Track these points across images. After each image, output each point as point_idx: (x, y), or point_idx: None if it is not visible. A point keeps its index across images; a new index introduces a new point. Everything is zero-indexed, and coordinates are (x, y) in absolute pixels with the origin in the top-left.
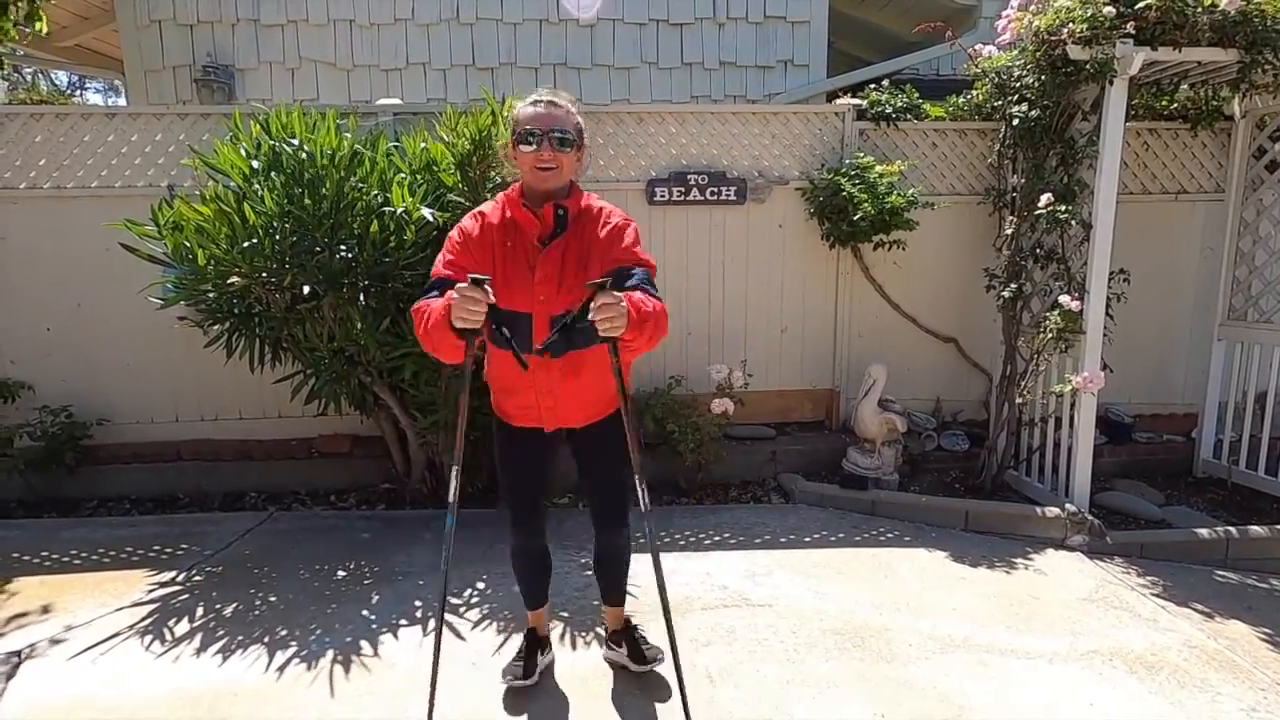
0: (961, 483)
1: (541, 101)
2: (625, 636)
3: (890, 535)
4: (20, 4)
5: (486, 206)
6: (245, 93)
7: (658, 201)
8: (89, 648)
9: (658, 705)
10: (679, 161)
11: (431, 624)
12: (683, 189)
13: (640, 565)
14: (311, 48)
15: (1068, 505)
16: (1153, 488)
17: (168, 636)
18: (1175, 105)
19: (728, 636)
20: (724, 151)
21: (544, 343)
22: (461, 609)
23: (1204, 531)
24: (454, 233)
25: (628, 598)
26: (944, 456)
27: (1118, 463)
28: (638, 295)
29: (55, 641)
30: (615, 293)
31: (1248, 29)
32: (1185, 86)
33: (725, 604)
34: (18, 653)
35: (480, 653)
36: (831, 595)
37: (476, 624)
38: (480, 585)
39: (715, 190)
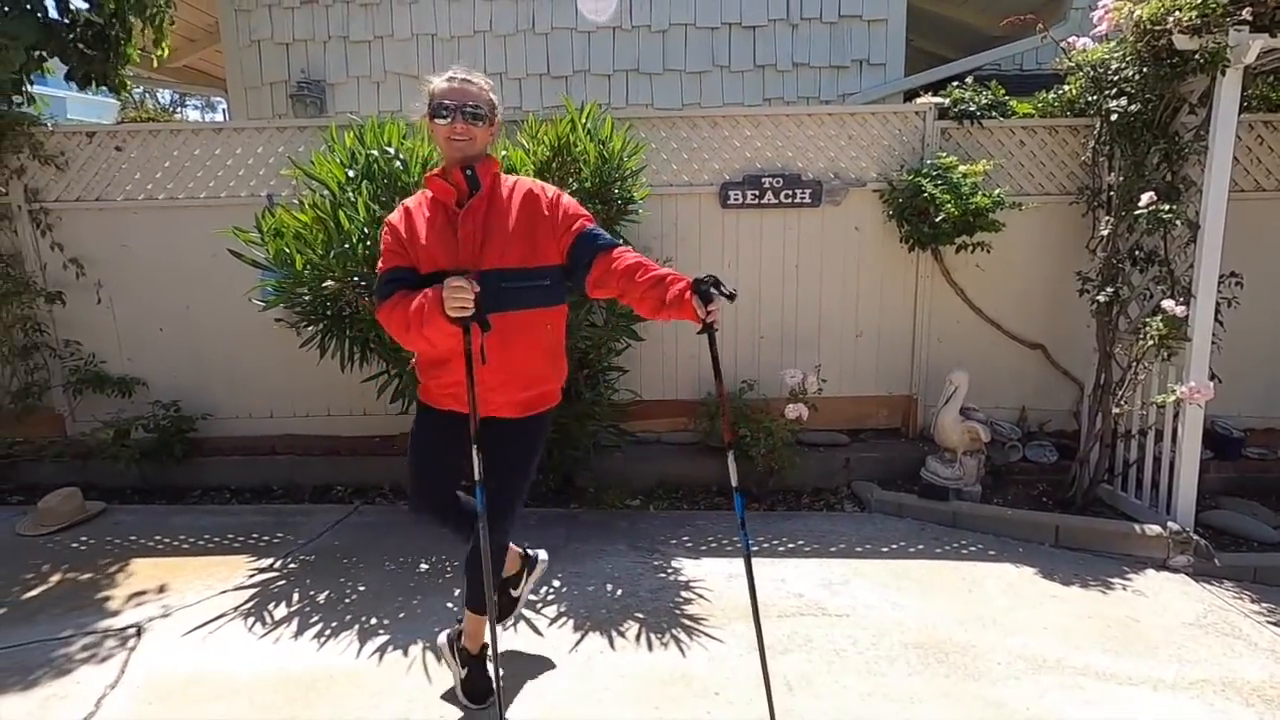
0: (1049, 496)
1: (456, 79)
2: (473, 663)
3: (974, 548)
4: (147, 31)
5: (406, 201)
6: (335, 105)
7: (731, 205)
8: (198, 626)
9: (741, 710)
10: (753, 165)
11: (511, 620)
12: (756, 192)
13: (708, 569)
14: (396, 61)
15: (1170, 523)
16: (1266, 508)
17: (268, 619)
18: None
19: (805, 645)
20: (799, 154)
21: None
22: (539, 605)
23: None
24: (384, 230)
25: (702, 601)
26: (1029, 468)
27: (1225, 479)
28: (634, 261)
29: (168, 619)
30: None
31: None
32: None
33: (801, 612)
34: (138, 627)
35: (558, 649)
36: (912, 608)
37: (553, 620)
38: (556, 583)
39: (790, 193)
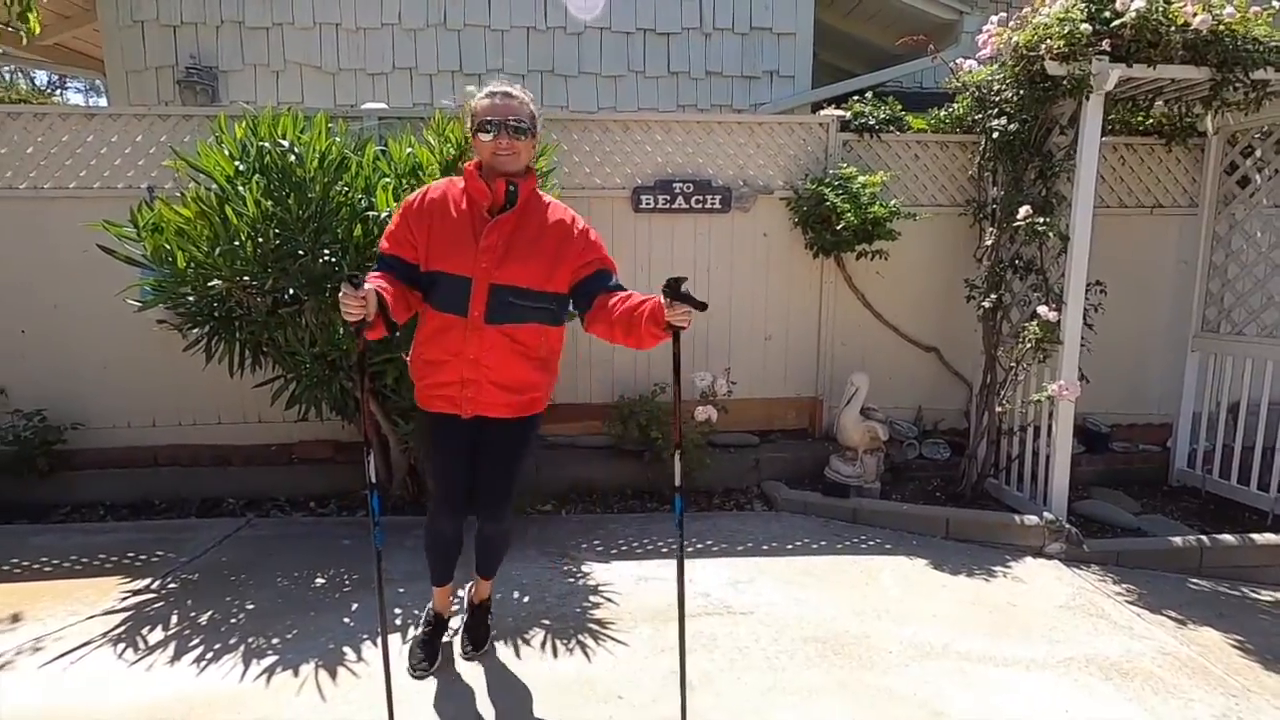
0: (943, 491)
1: (497, 94)
2: (478, 613)
3: (872, 543)
4: (13, 4)
5: (438, 182)
6: (228, 95)
7: (643, 209)
8: (60, 656)
9: (642, 712)
10: (664, 170)
11: (412, 631)
12: (668, 197)
13: (618, 573)
14: (297, 51)
15: (1046, 514)
16: (1129, 496)
17: (141, 645)
18: (1151, 121)
19: (709, 644)
20: (709, 160)
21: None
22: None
23: (1178, 540)
24: (399, 207)
25: (610, 605)
26: (925, 465)
27: (1095, 472)
28: (618, 301)
29: (24, 651)
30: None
31: (1219, 47)
32: (1160, 103)
33: (707, 612)
34: None
35: (458, 661)
36: (813, 603)
37: (457, 630)
38: (461, 593)
39: (700, 199)
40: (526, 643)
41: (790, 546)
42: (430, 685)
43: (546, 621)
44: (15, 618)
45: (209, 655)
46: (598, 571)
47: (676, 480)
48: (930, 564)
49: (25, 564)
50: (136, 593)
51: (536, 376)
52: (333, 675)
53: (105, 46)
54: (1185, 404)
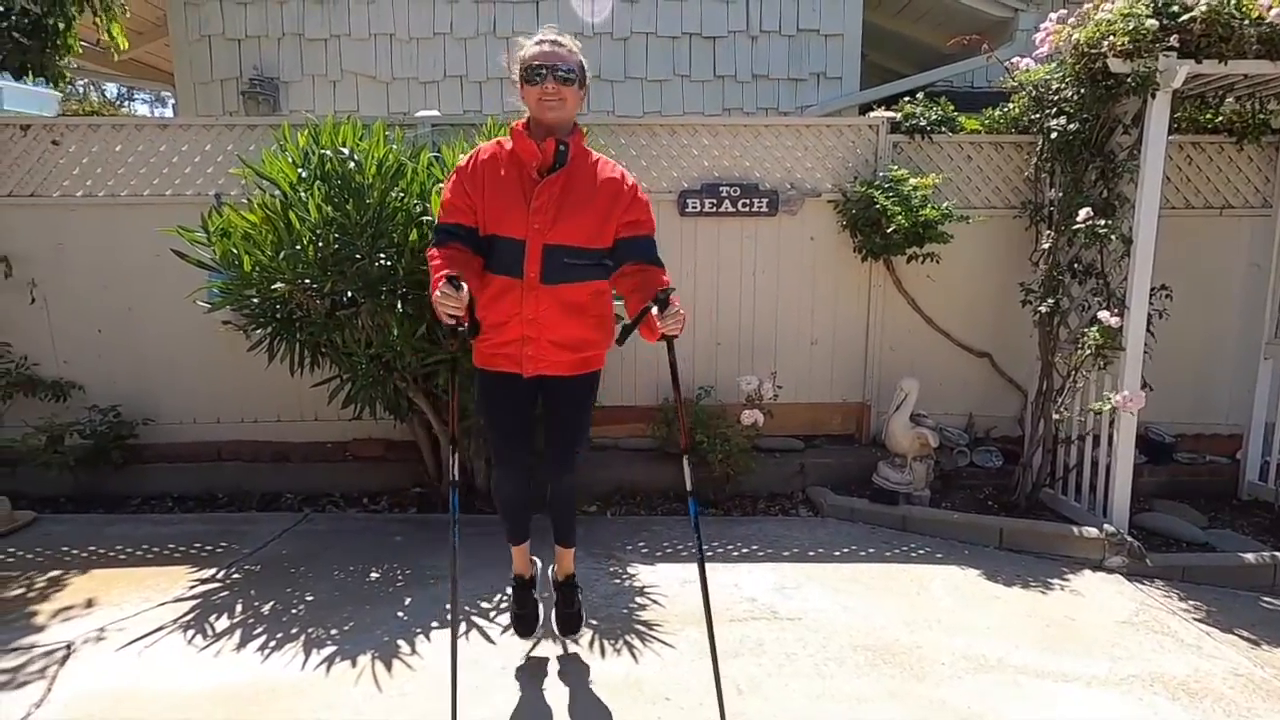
0: (995, 500)
1: (546, 41)
2: (566, 592)
3: (922, 551)
4: (98, 20)
5: (486, 144)
6: (289, 104)
7: (689, 213)
8: (134, 641)
9: (690, 714)
10: (711, 173)
11: (463, 626)
12: (714, 200)
13: (663, 575)
14: (353, 61)
15: (1106, 526)
16: (1195, 510)
17: (209, 632)
18: (1220, 119)
19: (756, 649)
20: (756, 163)
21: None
22: (491, 614)
23: (1250, 556)
24: (452, 174)
25: (656, 607)
26: (977, 473)
27: (1158, 483)
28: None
29: (101, 634)
30: (678, 309)
31: None
32: (1231, 100)
33: (754, 616)
34: (68, 644)
35: (509, 657)
36: (861, 610)
37: (506, 628)
38: (510, 590)
39: (747, 202)
40: (575, 641)
41: (838, 553)
42: (481, 682)
43: (594, 621)
44: (91, 602)
45: (272, 644)
46: (643, 573)
47: (688, 485)
48: (983, 574)
49: (101, 552)
50: (203, 582)
51: (592, 334)
52: (388, 667)
53: (175, 60)
54: (1257, 413)
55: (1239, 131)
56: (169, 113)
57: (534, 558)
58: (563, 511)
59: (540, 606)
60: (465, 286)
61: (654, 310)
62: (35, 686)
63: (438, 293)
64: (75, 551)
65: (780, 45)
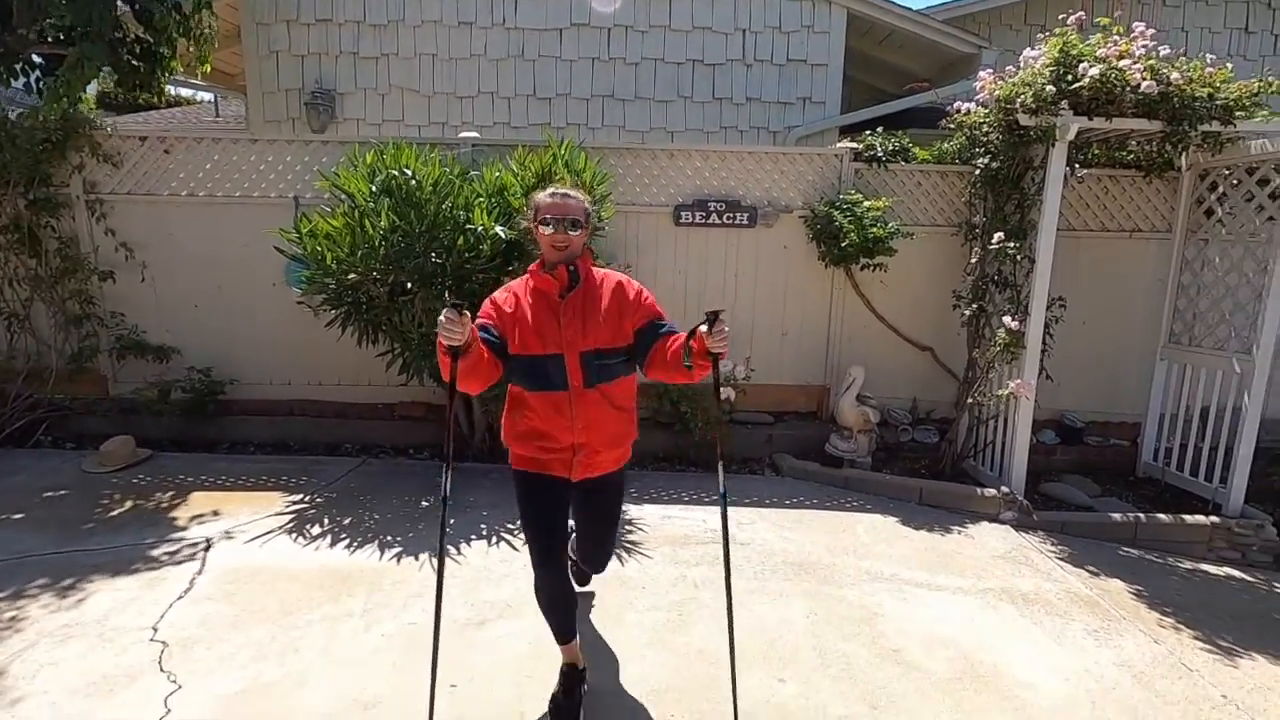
0: (928, 469)
1: (558, 194)
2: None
3: (856, 504)
4: (192, 47)
5: (516, 283)
6: (343, 113)
7: (682, 223)
8: (254, 538)
9: (657, 597)
10: (701, 191)
11: (494, 539)
12: (704, 213)
13: (648, 512)
14: (400, 77)
15: (1003, 488)
16: (1097, 484)
17: (307, 534)
18: (1132, 156)
19: (713, 561)
20: (739, 184)
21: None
22: (514, 531)
23: (1117, 515)
24: (487, 304)
25: (640, 532)
26: (917, 447)
27: (1069, 461)
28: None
29: (229, 534)
30: (725, 329)
31: (1167, 105)
32: (1134, 143)
33: (714, 541)
34: (207, 539)
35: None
36: (796, 541)
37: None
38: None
39: (731, 215)
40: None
41: (788, 502)
42: (508, 571)
43: None
44: (216, 513)
45: (355, 543)
46: (632, 510)
47: (720, 487)
48: (899, 521)
49: (210, 480)
50: (295, 503)
51: (629, 426)
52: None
53: (247, 72)
54: (1154, 405)
55: (1146, 167)
56: (230, 107)
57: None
58: (558, 613)
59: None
60: (467, 314)
61: (703, 329)
62: (192, 564)
63: (442, 317)
64: (190, 479)
65: (772, 73)
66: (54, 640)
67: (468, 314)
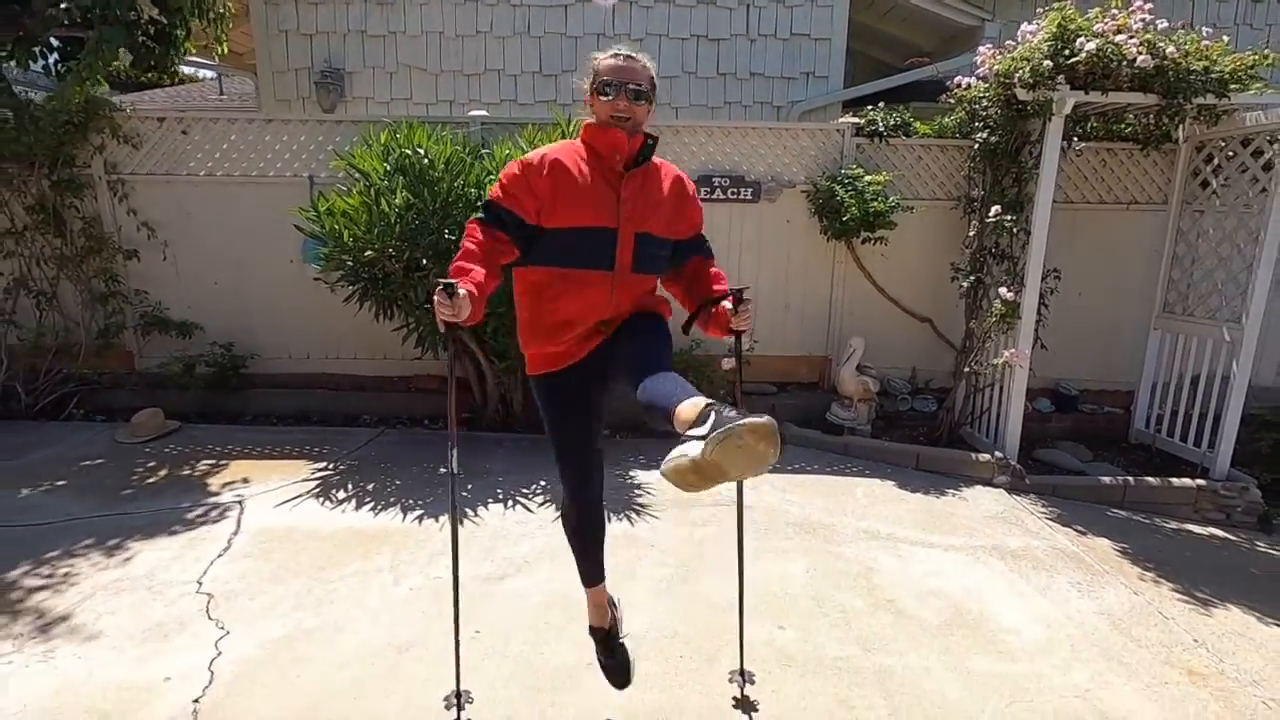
0: (926, 436)
1: (620, 55)
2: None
3: (855, 469)
4: (209, 29)
5: (552, 146)
6: (352, 91)
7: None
8: (284, 502)
9: (664, 555)
10: (707, 166)
11: (510, 502)
12: (709, 188)
13: (655, 477)
14: (407, 55)
15: (996, 453)
16: (1090, 450)
17: (333, 498)
18: (1129, 129)
19: (719, 522)
20: (744, 159)
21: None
22: (529, 495)
23: (1106, 478)
24: (515, 164)
25: (649, 495)
26: (916, 416)
27: (1064, 428)
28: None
29: (259, 497)
30: (749, 306)
31: (1163, 79)
32: (1131, 116)
33: (719, 503)
34: (239, 501)
35: (543, 520)
36: (798, 503)
37: (542, 503)
38: (543, 483)
39: (735, 190)
40: None
41: (790, 468)
42: (525, 531)
43: (605, 503)
44: (246, 479)
45: (378, 506)
46: (640, 476)
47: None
48: (896, 485)
49: (237, 449)
50: (319, 470)
51: (653, 300)
52: (459, 523)
53: (257, 51)
54: (1147, 374)
55: (1143, 140)
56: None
57: (613, 596)
58: (593, 533)
59: (629, 651)
60: (462, 291)
61: (727, 305)
62: (228, 523)
63: (436, 298)
64: (218, 448)
65: (776, 48)
66: (108, 593)
67: (461, 290)
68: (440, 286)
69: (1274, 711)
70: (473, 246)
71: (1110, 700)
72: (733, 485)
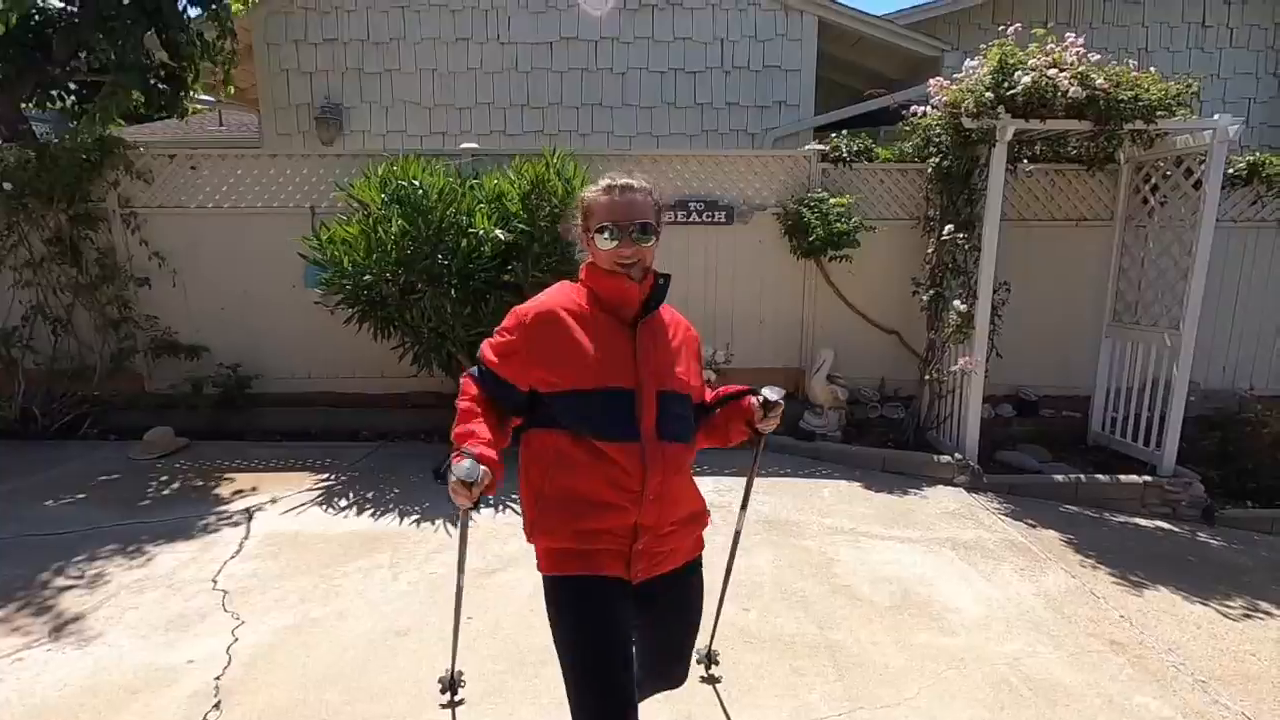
0: (893, 441)
1: (616, 187)
2: None
3: (823, 472)
4: (217, 71)
5: (552, 295)
6: (350, 125)
7: (665, 222)
8: (290, 509)
9: None
10: (683, 191)
11: (500, 506)
12: (685, 212)
13: None
14: (402, 91)
15: (956, 455)
16: (1051, 451)
17: (336, 506)
18: (1075, 151)
19: None
20: (718, 185)
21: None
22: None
23: (1059, 476)
24: (512, 320)
25: None
26: (885, 422)
27: (1025, 431)
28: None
29: (267, 506)
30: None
31: (1094, 107)
32: (1074, 140)
33: (712, 505)
34: (248, 510)
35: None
36: (769, 503)
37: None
38: None
39: (710, 214)
40: None
41: (763, 471)
42: (503, 533)
43: None
44: (254, 489)
45: (378, 512)
46: None
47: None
48: (861, 485)
49: (245, 464)
50: (322, 481)
51: (700, 498)
52: (454, 524)
53: (259, 88)
54: (1100, 379)
55: (1089, 161)
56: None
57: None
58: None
59: None
60: (482, 470)
61: (756, 402)
62: (240, 529)
63: (453, 478)
64: (227, 463)
65: (749, 79)
66: (132, 590)
67: (481, 468)
68: (454, 477)
69: (1181, 672)
70: (469, 404)
71: (1035, 666)
72: (731, 487)
